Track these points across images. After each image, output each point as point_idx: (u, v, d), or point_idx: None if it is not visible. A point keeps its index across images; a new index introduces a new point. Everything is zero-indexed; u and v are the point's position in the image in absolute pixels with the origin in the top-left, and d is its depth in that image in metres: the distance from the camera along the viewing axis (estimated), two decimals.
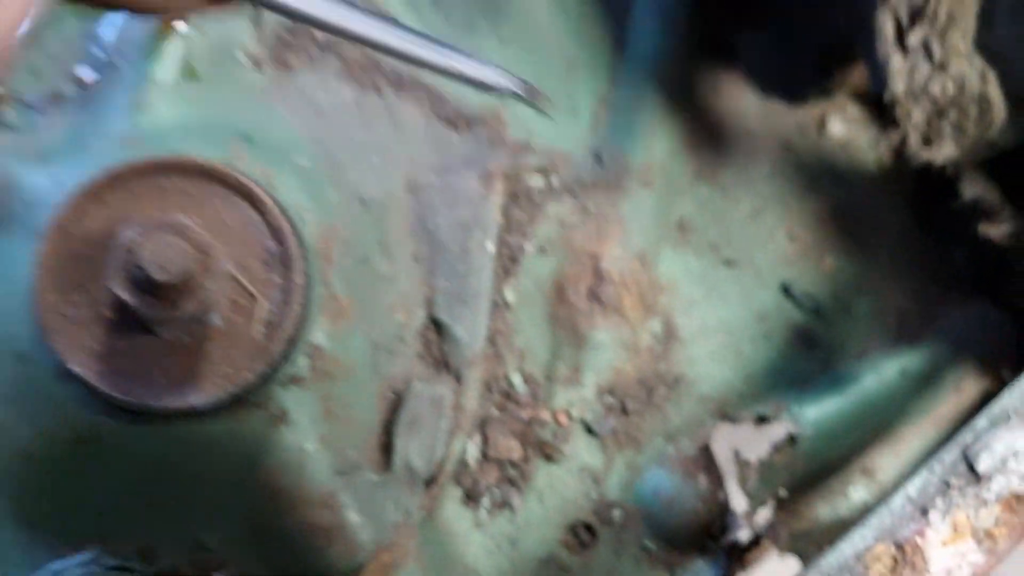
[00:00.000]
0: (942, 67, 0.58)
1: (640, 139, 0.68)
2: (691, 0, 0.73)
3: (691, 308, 0.67)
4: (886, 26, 0.57)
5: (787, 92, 0.75)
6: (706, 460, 0.64)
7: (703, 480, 0.63)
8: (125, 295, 0.45)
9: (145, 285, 0.44)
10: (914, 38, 0.57)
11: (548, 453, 0.63)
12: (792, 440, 0.64)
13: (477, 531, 0.61)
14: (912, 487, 0.53)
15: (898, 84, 0.58)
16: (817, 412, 0.66)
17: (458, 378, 0.60)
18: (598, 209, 0.66)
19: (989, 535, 0.53)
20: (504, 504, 0.62)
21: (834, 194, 0.73)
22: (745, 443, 0.64)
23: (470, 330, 0.60)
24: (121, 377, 0.48)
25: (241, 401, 0.51)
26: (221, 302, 0.49)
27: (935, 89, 0.58)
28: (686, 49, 0.72)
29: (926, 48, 0.58)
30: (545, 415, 0.63)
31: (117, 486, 0.53)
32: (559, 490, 0.63)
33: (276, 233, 0.51)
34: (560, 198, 0.66)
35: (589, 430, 0.64)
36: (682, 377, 0.66)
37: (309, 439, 0.54)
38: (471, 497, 0.61)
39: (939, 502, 0.52)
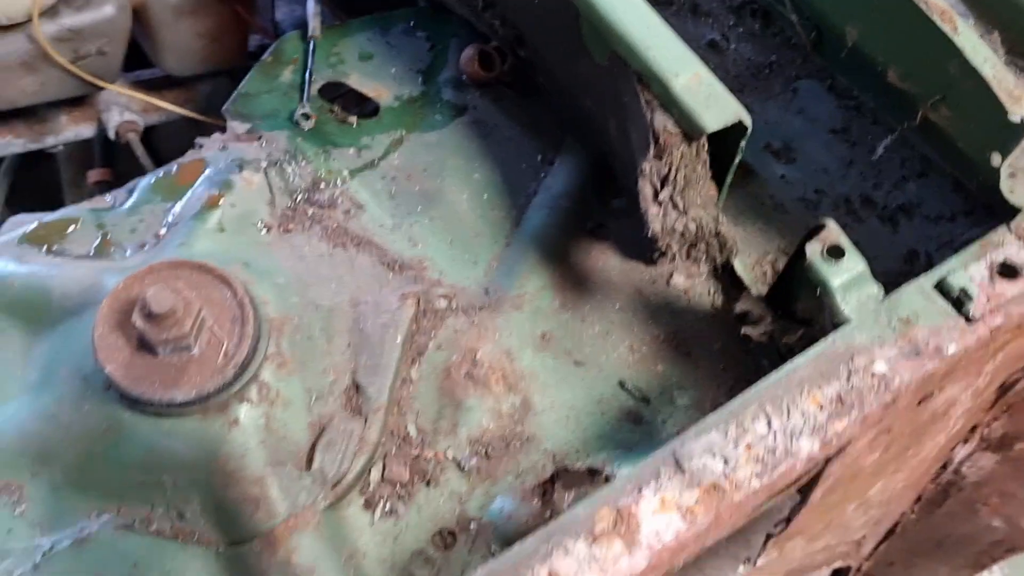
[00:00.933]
0: (684, 212, 0.88)
1: (517, 279, 1.00)
2: (574, 195, 1.07)
3: (544, 390, 0.94)
4: (645, 189, 0.88)
5: (644, 258, 1.05)
6: (542, 492, 0.89)
7: (536, 504, 0.88)
8: (139, 322, 0.79)
9: (149, 314, 0.78)
10: (663, 195, 0.88)
11: (428, 480, 0.89)
12: (607, 479, 0.88)
13: (369, 527, 0.87)
14: (631, 474, 0.76)
15: (656, 225, 0.88)
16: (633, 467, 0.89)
17: (366, 420, 0.89)
18: (481, 322, 0.97)
19: (690, 510, 0.75)
20: (392, 511, 0.88)
21: (672, 323, 1.00)
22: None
23: (379, 390, 0.90)
24: (139, 381, 0.81)
25: (208, 408, 0.83)
26: (199, 338, 0.82)
27: (681, 227, 0.88)
28: (565, 226, 1.05)
29: (672, 201, 0.88)
30: (429, 454, 0.91)
31: (127, 466, 0.84)
32: (433, 506, 0.89)
33: (241, 306, 0.84)
34: (456, 315, 0.97)
35: (460, 467, 0.90)
36: (532, 436, 0.92)
37: (252, 440, 0.84)
38: (369, 504, 0.88)
39: (652, 484, 0.76)
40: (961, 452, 1.47)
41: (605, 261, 1.04)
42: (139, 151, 1.37)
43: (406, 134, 1.10)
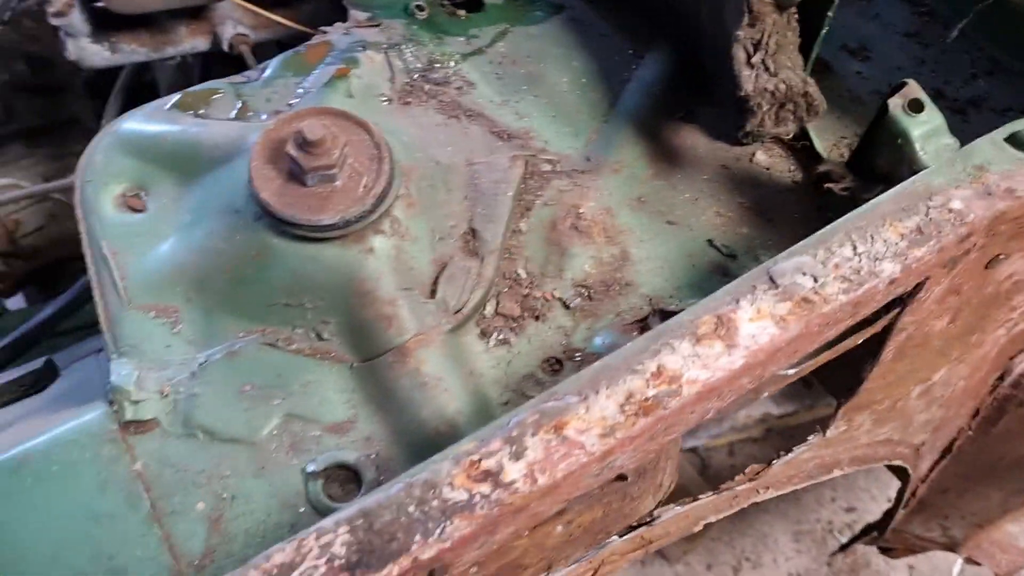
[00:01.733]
0: (775, 75, 0.97)
1: (614, 149, 1.09)
2: (667, 82, 1.16)
3: (640, 243, 1.04)
4: (739, 54, 0.97)
5: (730, 139, 1.13)
6: (641, 328, 0.98)
7: (636, 337, 0.97)
8: (293, 151, 0.90)
9: (302, 143, 0.89)
10: (756, 59, 0.97)
11: (537, 316, 0.99)
12: None
13: (485, 353, 0.97)
14: (729, 288, 0.85)
15: (749, 86, 0.97)
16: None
17: (482, 260, 0.99)
18: (583, 183, 1.07)
19: (783, 319, 0.84)
20: (505, 341, 0.98)
21: (755, 193, 1.09)
22: None
23: (493, 235, 1.00)
24: (289, 206, 0.92)
25: (347, 236, 0.93)
26: (342, 170, 0.92)
27: (772, 87, 0.97)
28: (657, 107, 1.14)
29: (764, 64, 0.97)
30: (537, 293, 1.00)
31: (273, 290, 0.95)
32: (542, 337, 0.98)
33: (378, 146, 0.95)
34: (560, 177, 1.07)
35: (565, 305, 1.00)
36: (631, 282, 1.02)
37: (385, 266, 0.95)
38: (484, 334, 0.98)
39: (748, 297, 0.85)
40: (1020, 364, 1.53)
41: (694, 140, 1.13)
42: (250, 62, 1.48)
43: (510, 27, 1.20)
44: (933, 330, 1.11)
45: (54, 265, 2.00)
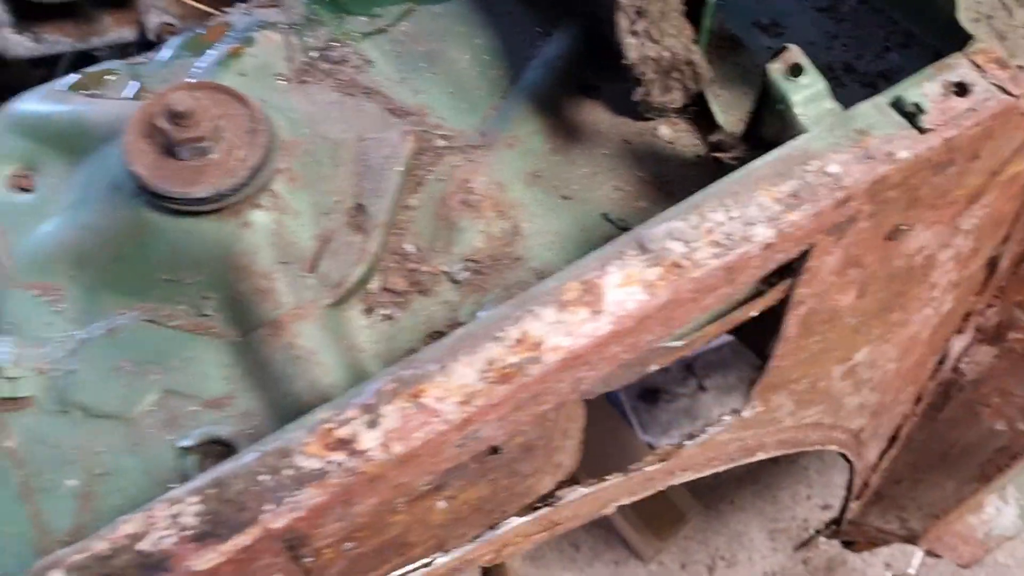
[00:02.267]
0: (658, 43, 0.96)
1: (511, 124, 1.08)
2: (571, 57, 1.15)
3: (533, 218, 1.02)
4: (622, 21, 0.96)
5: (634, 115, 1.12)
6: None
7: None
8: (163, 123, 0.89)
9: (171, 115, 0.88)
10: (639, 26, 0.96)
11: (423, 290, 0.98)
12: None
13: (368, 328, 0.96)
14: (597, 254, 0.84)
15: (632, 53, 0.96)
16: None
17: (367, 235, 0.98)
18: (476, 158, 1.05)
19: (652, 285, 0.82)
20: (389, 316, 0.97)
21: (656, 168, 1.08)
22: None
23: (379, 210, 0.99)
24: (163, 180, 0.91)
25: (223, 209, 0.92)
26: (217, 143, 0.92)
27: (655, 54, 0.96)
28: (559, 82, 1.13)
29: (647, 32, 0.96)
30: (425, 268, 0.99)
31: (152, 265, 0.94)
32: (427, 312, 0.97)
33: (255, 120, 0.94)
34: (454, 152, 1.06)
35: (452, 280, 0.99)
36: (520, 256, 1.00)
37: (263, 240, 0.94)
38: (368, 310, 0.97)
39: (616, 262, 0.83)
40: (957, 345, 1.51)
41: (596, 115, 1.12)
42: None
43: (414, 6, 1.19)
44: (840, 305, 1.09)
45: None
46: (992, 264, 1.32)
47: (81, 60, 1.62)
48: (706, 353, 2.86)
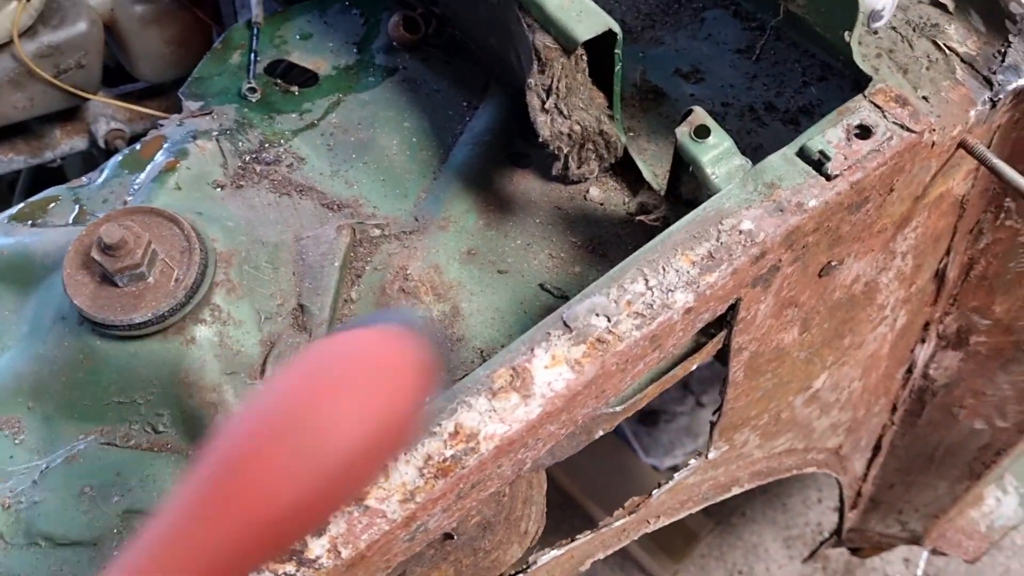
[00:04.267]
0: (568, 117, 0.99)
1: (443, 205, 1.11)
2: (496, 130, 1.18)
3: (471, 297, 1.05)
4: (533, 101, 0.99)
5: (564, 180, 1.15)
6: None
7: None
8: (97, 255, 0.92)
9: (104, 248, 0.91)
10: (549, 104, 0.99)
11: None
12: None
13: None
14: (524, 337, 0.86)
15: (545, 131, 0.99)
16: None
17: (311, 335, 1.01)
18: (411, 244, 1.08)
19: (578, 362, 0.85)
20: None
21: (588, 231, 1.10)
22: None
23: (321, 308, 1.02)
24: (103, 309, 0.94)
25: (166, 328, 0.95)
26: (152, 267, 0.94)
27: (566, 130, 0.98)
28: (488, 157, 1.16)
29: (557, 108, 0.99)
30: None
31: (104, 390, 0.97)
32: None
33: (188, 239, 0.97)
34: (389, 240, 1.08)
35: None
36: (462, 337, 1.03)
37: (208, 354, 0.96)
38: None
39: (543, 344, 0.86)
40: (923, 353, 1.53)
41: (527, 184, 1.15)
42: None
43: (342, 96, 1.22)
44: (784, 343, 1.11)
45: None
46: (940, 276, 1.34)
47: (40, 173, 1.67)
48: (700, 369, 2.87)
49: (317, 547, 0.78)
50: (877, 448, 1.73)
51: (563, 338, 0.86)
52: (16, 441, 0.98)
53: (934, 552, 2.12)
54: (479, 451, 0.81)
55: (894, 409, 1.64)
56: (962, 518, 2.05)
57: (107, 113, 1.53)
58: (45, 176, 1.75)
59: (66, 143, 1.54)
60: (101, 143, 1.52)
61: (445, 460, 0.81)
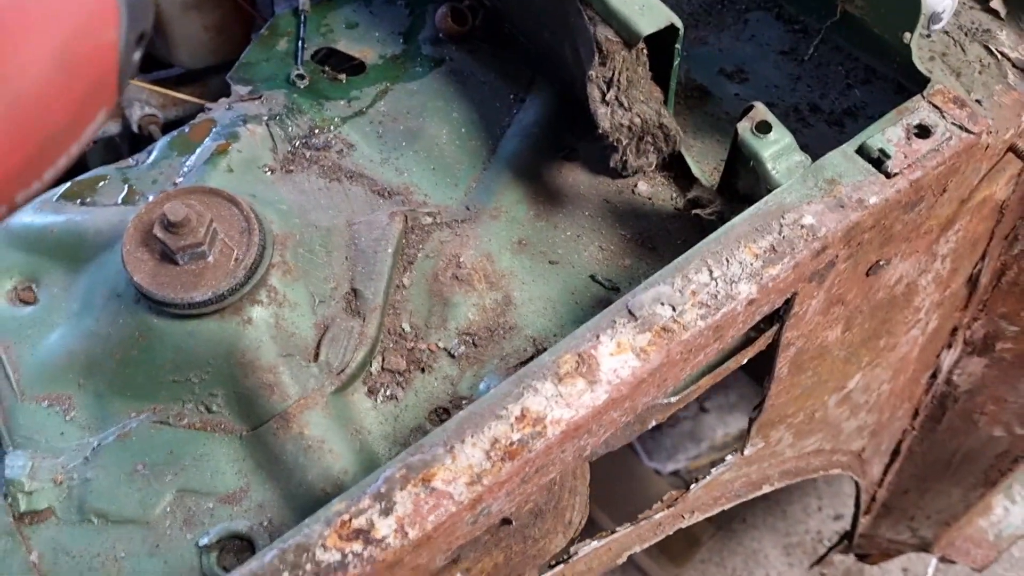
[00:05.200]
0: (629, 109, 0.99)
1: (494, 195, 1.11)
2: (547, 122, 1.19)
3: (523, 286, 1.05)
4: (594, 92, 1.00)
5: (612, 174, 1.15)
6: None
7: None
8: (160, 233, 0.92)
9: (167, 225, 0.91)
10: (609, 96, 0.99)
11: (423, 368, 1.01)
12: None
13: (373, 410, 0.98)
14: (590, 324, 0.87)
15: (605, 123, 0.99)
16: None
17: (364, 319, 1.01)
18: (463, 232, 1.08)
19: (643, 350, 0.85)
20: (392, 396, 0.99)
21: (637, 225, 1.11)
22: None
23: (374, 293, 1.02)
24: (163, 287, 0.94)
25: (224, 309, 0.95)
26: (212, 246, 0.94)
27: (627, 122, 0.99)
28: (537, 149, 1.16)
29: (618, 100, 0.99)
30: (422, 346, 1.02)
31: (159, 368, 0.97)
32: (428, 389, 1.00)
33: (247, 219, 0.97)
34: (441, 228, 1.09)
35: (450, 355, 1.02)
36: (514, 325, 1.03)
37: (264, 335, 0.96)
38: (371, 392, 1.00)
39: (609, 331, 0.86)
40: (948, 358, 1.55)
41: (575, 177, 1.16)
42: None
43: (390, 85, 1.23)
44: (828, 340, 1.12)
45: None
46: (973, 281, 1.36)
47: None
48: None
49: (384, 527, 0.79)
50: (895, 453, 1.75)
51: (628, 326, 0.86)
52: (67, 418, 0.98)
53: (943, 560, 2.13)
54: (546, 435, 0.82)
55: (915, 414, 1.66)
56: (971, 526, 2.07)
57: (141, 98, 1.53)
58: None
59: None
60: (135, 127, 1.52)
61: (512, 444, 0.81)
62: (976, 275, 1.34)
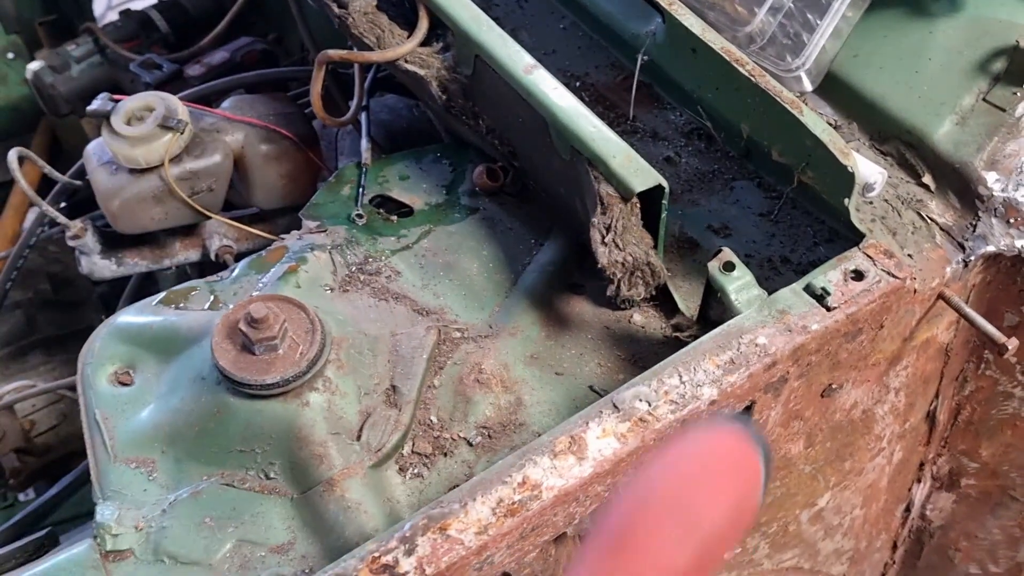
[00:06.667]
0: (623, 249, 1.24)
1: (513, 318, 1.35)
2: (560, 262, 1.43)
3: (532, 392, 1.27)
4: (595, 235, 1.24)
5: (612, 307, 1.39)
6: None
7: None
8: (244, 326, 1.15)
9: (250, 320, 1.15)
10: (608, 238, 1.24)
11: (445, 453, 1.21)
12: None
13: (402, 484, 1.19)
14: (582, 413, 1.08)
15: (604, 259, 1.24)
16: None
17: (400, 409, 1.23)
18: (485, 346, 1.31)
19: (623, 436, 1.06)
20: (419, 475, 1.20)
21: (631, 348, 1.33)
22: None
23: (410, 390, 1.24)
24: (242, 370, 1.17)
25: (287, 392, 1.18)
26: (283, 341, 1.18)
27: (621, 259, 1.23)
28: (551, 283, 1.40)
29: (615, 242, 1.24)
30: (447, 435, 1.23)
31: (230, 440, 1.18)
32: (449, 470, 1.20)
33: (312, 322, 1.21)
34: (468, 342, 1.32)
35: (469, 443, 1.22)
36: (524, 422, 1.24)
37: (318, 416, 1.18)
38: (402, 470, 1.20)
39: (596, 420, 1.07)
40: (919, 493, 1.71)
41: (581, 307, 1.39)
42: None
43: (433, 227, 1.49)
44: (792, 453, 1.32)
45: (64, 460, 2.23)
46: (931, 417, 1.55)
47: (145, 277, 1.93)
48: None
49: (406, 564, 0.98)
50: None
51: (612, 416, 1.07)
52: (150, 478, 1.19)
53: None
54: (541, 498, 1.02)
55: (895, 547, 1.80)
56: None
57: (221, 231, 1.80)
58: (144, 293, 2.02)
59: (183, 254, 1.80)
60: (212, 256, 1.79)
61: (513, 503, 1.01)
62: (933, 412, 1.53)
